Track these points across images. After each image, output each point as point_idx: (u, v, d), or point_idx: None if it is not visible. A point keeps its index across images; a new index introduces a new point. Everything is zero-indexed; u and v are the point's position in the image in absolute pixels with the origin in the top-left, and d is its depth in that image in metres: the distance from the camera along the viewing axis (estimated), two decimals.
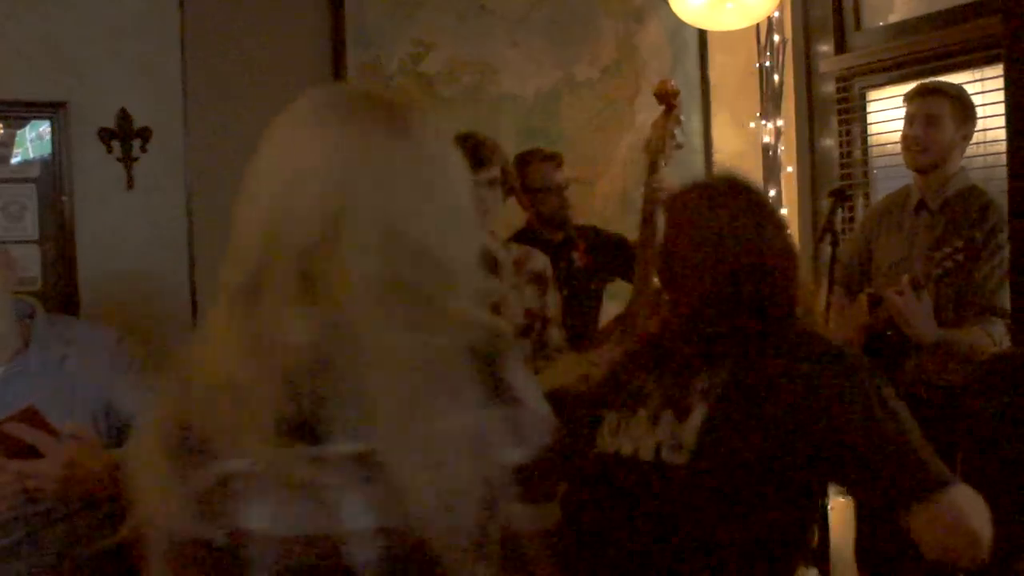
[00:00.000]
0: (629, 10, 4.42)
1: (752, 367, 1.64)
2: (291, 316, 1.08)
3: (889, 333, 2.83)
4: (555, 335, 2.91)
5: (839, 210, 3.22)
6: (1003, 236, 2.90)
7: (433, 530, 1.07)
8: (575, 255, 3.50)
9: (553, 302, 2.93)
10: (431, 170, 1.15)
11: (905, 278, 2.83)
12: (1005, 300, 2.86)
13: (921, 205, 3.10)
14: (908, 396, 2.71)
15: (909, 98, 3.19)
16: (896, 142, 3.34)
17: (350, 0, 4.05)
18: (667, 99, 3.18)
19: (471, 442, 1.10)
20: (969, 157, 3.63)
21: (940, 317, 2.84)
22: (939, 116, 3.06)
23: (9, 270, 2.13)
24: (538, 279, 2.93)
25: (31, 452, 1.71)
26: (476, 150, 2.73)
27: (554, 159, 3.67)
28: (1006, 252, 2.88)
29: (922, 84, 3.26)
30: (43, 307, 2.21)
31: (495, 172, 2.77)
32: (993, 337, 2.86)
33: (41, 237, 3.40)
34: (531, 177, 3.49)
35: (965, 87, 3.64)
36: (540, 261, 2.96)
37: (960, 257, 2.81)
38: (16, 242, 3.22)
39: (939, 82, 3.27)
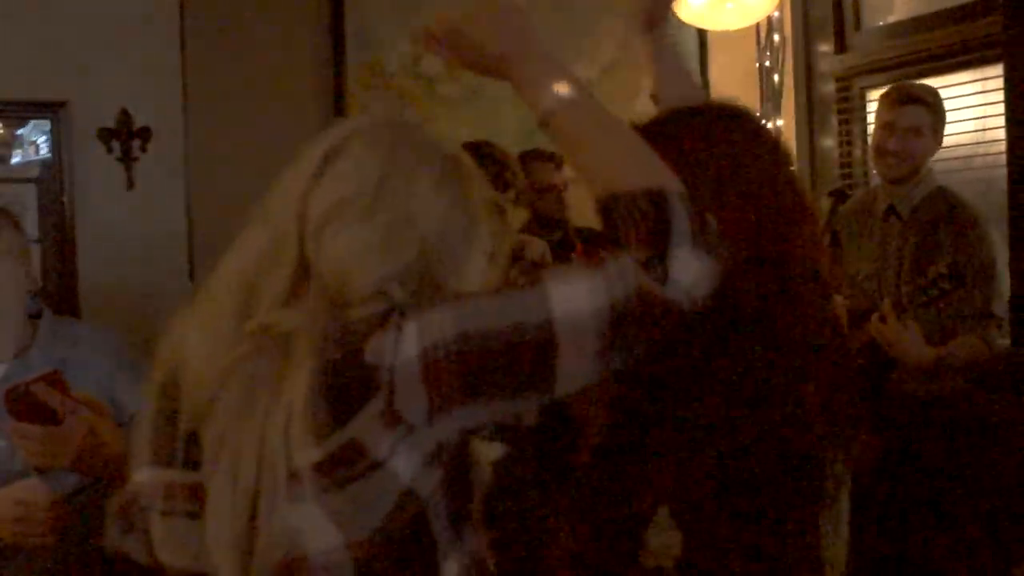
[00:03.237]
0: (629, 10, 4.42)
1: None
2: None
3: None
4: None
5: (839, 210, 3.20)
6: (975, 235, 2.82)
7: None
8: (573, 256, 3.49)
9: None
10: None
11: (887, 303, 2.70)
12: (995, 304, 2.79)
13: (890, 211, 3.00)
14: (896, 410, 2.70)
15: (888, 105, 3.01)
16: None
17: (350, 0, 4.05)
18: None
19: None
20: (969, 157, 3.63)
21: (926, 330, 2.71)
22: (920, 127, 2.94)
23: (29, 267, 2.15)
24: (535, 268, 2.90)
25: (50, 417, 1.69)
26: (501, 173, 2.76)
27: (553, 159, 3.67)
28: (984, 253, 2.80)
29: (900, 90, 3.09)
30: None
31: (513, 194, 2.81)
32: (989, 343, 2.79)
33: (41, 237, 3.40)
34: (530, 177, 3.50)
35: (965, 87, 3.64)
36: (538, 249, 2.93)
37: (947, 285, 2.66)
38: None
39: (916, 88, 3.12)
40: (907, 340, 2.62)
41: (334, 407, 1.02)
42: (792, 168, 1.41)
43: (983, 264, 2.80)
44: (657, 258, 1.02)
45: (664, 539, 1.26)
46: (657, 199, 1.05)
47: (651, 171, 1.09)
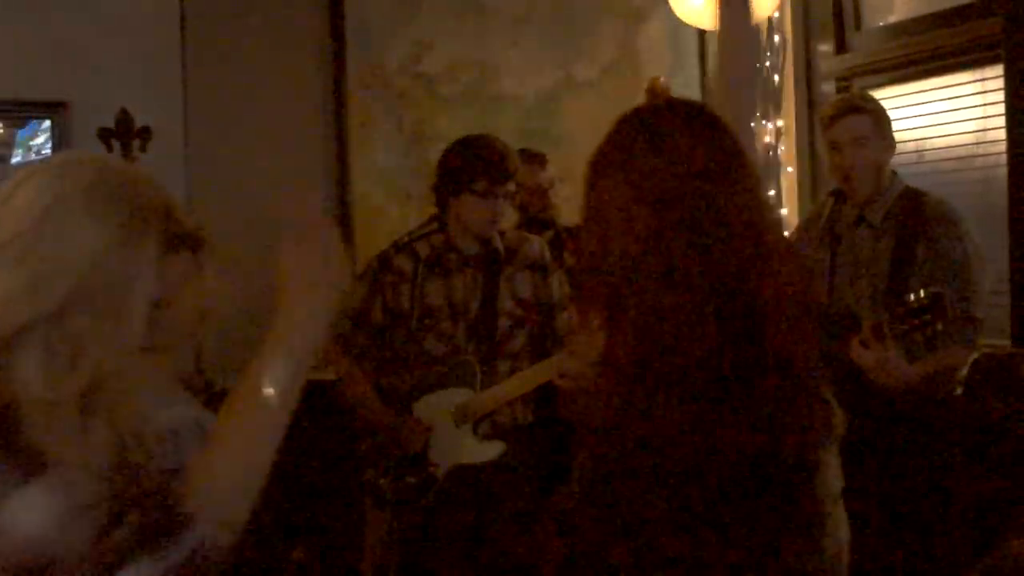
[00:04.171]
0: (629, 10, 4.42)
1: None
2: None
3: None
4: (561, 320, 2.85)
5: (836, 209, 3.18)
6: (949, 236, 2.70)
7: None
8: (566, 254, 3.49)
9: (557, 287, 2.88)
10: None
11: (867, 328, 2.50)
12: (976, 307, 2.65)
13: (860, 220, 2.87)
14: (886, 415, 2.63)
15: (827, 125, 2.89)
16: (898, 141, 3.27)
17: (350, 0, 4.05)
18: (657, 98, 3.16)
19: None
20: (969, 157, 3.62)
21: (908, 345, 2.56)
22: (863, 136, 2.81)
23: None
24: (533, 266, 2.89)
25: None
26: (503, 163, 2.76)
27: (536, 159, 3.67)
28: (960, 253, 2.67)
29: (833, 106, 2.97)
30: None
31: (512, 186, 2.81)
32: (971, 349, 2.68)
33: None
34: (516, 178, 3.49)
35: (965, 87, 3.64)
36: (535, 247, 2.92)
37: (928, 317, 2.46)
38: None
39: (847, 99, 3.05)
40: (888, 368, 2.46)
41: None
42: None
43: (961, 265, 2.67)
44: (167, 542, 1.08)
45: None
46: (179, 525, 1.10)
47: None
